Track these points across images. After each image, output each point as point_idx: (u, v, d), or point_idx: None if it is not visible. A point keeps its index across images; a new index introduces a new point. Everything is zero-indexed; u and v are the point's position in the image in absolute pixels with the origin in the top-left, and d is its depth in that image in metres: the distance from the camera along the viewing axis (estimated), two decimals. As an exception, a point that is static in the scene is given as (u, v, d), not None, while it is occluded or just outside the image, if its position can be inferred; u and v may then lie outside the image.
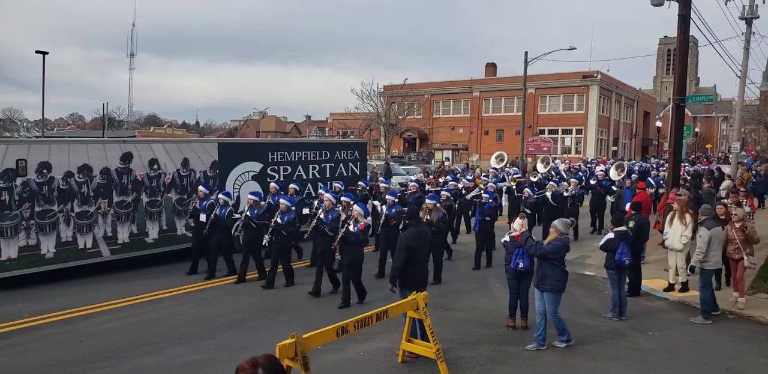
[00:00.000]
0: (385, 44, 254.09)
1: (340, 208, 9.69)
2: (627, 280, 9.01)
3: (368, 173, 18.38)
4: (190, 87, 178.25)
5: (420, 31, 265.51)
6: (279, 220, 9.85)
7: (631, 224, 9.03)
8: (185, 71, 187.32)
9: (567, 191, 14.66)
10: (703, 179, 18.08)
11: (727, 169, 24.23)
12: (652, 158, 43.04)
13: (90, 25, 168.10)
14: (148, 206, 11.56)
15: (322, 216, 9.57)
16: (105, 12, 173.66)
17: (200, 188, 11.46)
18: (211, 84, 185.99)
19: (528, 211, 13.28)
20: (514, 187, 15.91)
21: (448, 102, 54.98)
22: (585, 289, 10.27)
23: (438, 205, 10.38)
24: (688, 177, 18.39)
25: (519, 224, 7.92)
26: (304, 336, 5.16)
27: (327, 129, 73.53)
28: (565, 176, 21.10)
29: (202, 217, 10.93)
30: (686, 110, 14.04)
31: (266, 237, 9.95)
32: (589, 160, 37.18)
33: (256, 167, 13.59)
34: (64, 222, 10.40)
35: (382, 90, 47.06)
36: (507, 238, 7.76)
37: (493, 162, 21.10)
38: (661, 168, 26.38)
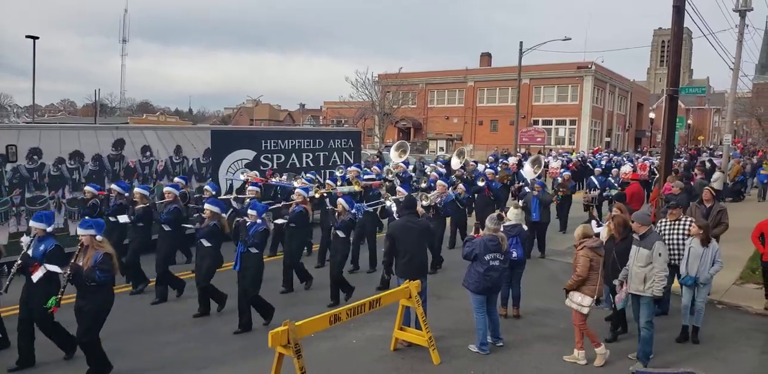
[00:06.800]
0: (382, 33, 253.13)
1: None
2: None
3: (362, 161, 18.32)
4: (184, 74, 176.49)
5: (416, 20, 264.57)
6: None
7: None
8: (180, 58, 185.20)
9: (427, 198, 10.08)
10: (696, 171, 18.16)
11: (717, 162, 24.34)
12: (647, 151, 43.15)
13: (86, 11, 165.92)
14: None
15: None
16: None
17: None
18: (207, 71, 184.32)
19: (341, 234, 8.81)
20: (361, 193, 11.15)
21: (443, 92, 54.79)
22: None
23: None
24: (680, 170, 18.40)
25: (513, 214, 7.96)
26: (296, 323, 5.17)
27: (321, 118, 73.22)
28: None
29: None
30: (679, 101, 14.04)
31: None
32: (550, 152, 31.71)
33: (249, 155, 13.54)
34: (55, 209, 10.32)
35: (377, 79, 46.86)
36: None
37: (393, 155, 15.47)
38: (626, 162, 22.31)
